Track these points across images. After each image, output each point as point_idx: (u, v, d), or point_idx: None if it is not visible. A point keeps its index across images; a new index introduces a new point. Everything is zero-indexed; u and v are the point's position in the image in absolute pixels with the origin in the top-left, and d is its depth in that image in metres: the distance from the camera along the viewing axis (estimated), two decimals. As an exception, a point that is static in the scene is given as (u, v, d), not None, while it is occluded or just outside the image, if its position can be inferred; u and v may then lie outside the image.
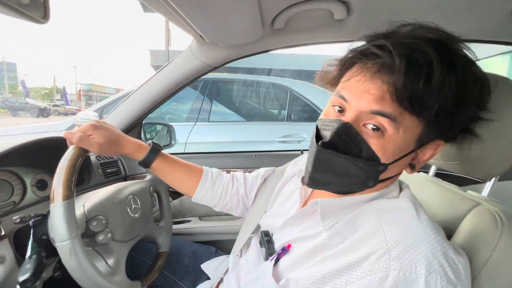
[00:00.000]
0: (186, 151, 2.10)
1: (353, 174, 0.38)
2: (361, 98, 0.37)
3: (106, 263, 0.56)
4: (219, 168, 0.72)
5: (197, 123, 2.31)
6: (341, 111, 0.40)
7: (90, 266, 0.47)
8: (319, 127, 0.42)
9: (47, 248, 0.55)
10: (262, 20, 0.71)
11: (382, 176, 0.40)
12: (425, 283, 0.32)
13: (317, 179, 0.40)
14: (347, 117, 0.38)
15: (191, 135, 2.24)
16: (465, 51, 0.37)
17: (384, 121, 0.36)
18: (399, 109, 0.35)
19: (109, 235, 0.56)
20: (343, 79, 0.41)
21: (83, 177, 0.86)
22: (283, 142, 2.19)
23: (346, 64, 0.41)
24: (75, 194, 0.48)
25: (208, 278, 0.70)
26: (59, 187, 0.47)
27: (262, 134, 2.32)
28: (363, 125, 0.37)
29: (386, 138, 0.37)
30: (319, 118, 0.43)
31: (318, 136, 0.41)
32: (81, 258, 0.46)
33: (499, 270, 0.38)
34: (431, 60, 0.33)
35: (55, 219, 0.46)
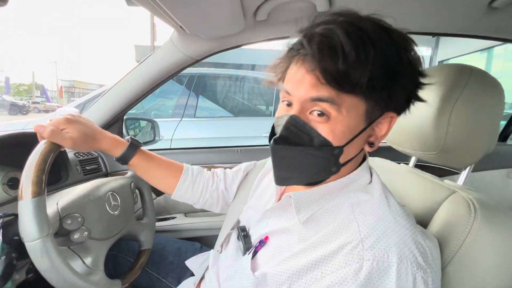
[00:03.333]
0: (170, 147, 2.06)
1: (312, 163, 0.39)
2: (299, 88, 0.38)
3: (83, 262, 0.54)
4: (204, 164, 0.71)
5: (183, 119, 2.27)
6: (289, 105, 0.41)
7: (64, 265, 0.45)
8: (274, 125, 0.43)
9: (19, 249, 0.52)
10: (244, 11, 0.69)
11: (342, 159, 0.40)
12: (396, 270, 0.33)
13: (281, 176, 0.41)
14: (294, 110, 0.39)
15: (177, 131, 2.20)
16: (379, 23, 0.37)
17: (325, 106, 0.37)
18: (334, 91, 0.36)
19: (86, 233, 0.54)
20: (287, 73, 0.42)
21: (60, 175, 0.82)
22: (270, 137, 2.19)
23: (287, 59, 0.42)
24: (46, 191, 0.46)
25: (193, 275, 0.69)
26: (28, 183, 0.44)
27: (249, 130, 2.32)
28: (310, 113, 0.38)
29: (332, 121, 0.38)
30: (275, 117, 0.43)
31: (273, 135, 0.41)
32: (53, 257, 0.44)
33: (473, 254, 0.39)
34: (342, 40, 0.34)
35: (23, 218, 0.43)
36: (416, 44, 0.39)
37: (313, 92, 0.37)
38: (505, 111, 0.51)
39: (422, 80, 0.40)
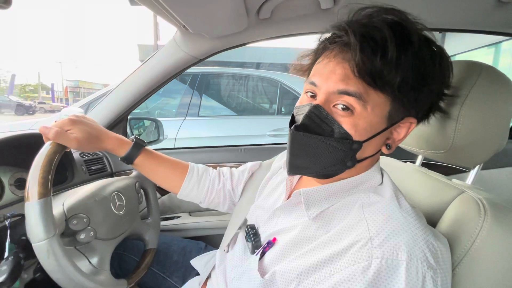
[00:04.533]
0: (174, 147, 2.07)
1: (329, 155, 0.39)
2: (328, 80, 0.39)
3: (90, 262, 0.54)
4: (208, 163, 0.71)
5: (186, 118, 2.27)
6: (313, 96, 0.42)
7: (71, 265, 0.46)
8: (294, 114, 0.43)
9: (26, 249, 0.52)
10: (247, 10, 0.69)
11: (359, 156, 0.40)
12: (406, 269, 0.32)
13: (296, 164, 0.41)
14: (318, 100, 0.40)
15: (181, 130, 2.20)
16: (422, 29, 0.38)
17: (351, 100, 0.37)
18: (363, 86, 0.37)
19: (92, 233, 0.54)
20: (314, 66, 0.43)
21: (66, 175, 0.83)
22: (274, 135, 2.19)
23: (317, 53, 0.43)
24: (52, 192, 0.46)
25: (198, 274, 0.69)
26: (34, 185, 0.44)
27: (253, 128, 2.31)
28: (334, 106, 0.39)
29: (356, 116, 0.38)
30: (295, 106, 0.44)
31: (293, 123, 0.42)
32: (60, 258, 0.44)
33: (482, 256, 0.38)
34: (385, 36, 0.35)
35: (30, 219, 0.44)
36: (449, 57, 0.40)
37: (341, 85, 0.37)
38: None
39: (447, 92, 0.42)
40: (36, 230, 0.43)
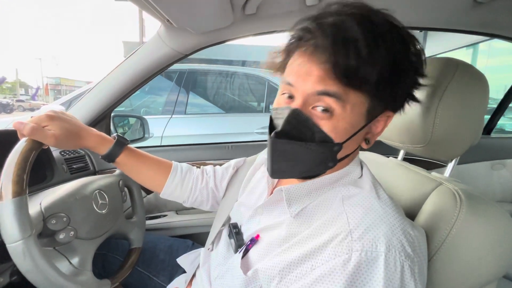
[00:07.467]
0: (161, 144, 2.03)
1: (311, 158, 0.39)
2: (305, 81, 0.37)
3: (70, 262, 0.52)
4: (195, 160, 0.70)
5: (173, 115, 2.23)
6: (291, 97, 0.40)
7: (49, 266, 0.44)
8: (272, 117, 0.42)
9: (1, 252, 0.50)
10: (232, 5, 0.68)
11: (340, 155, 0.40)
12: (384, 260, 0.33)
13: (277, 169, 0.40)
14: (296, 103, 0.38)
15: (168, 128, 2.16)
16: (390, 20, 0.37)
17: (330, 101, 0.36)
18: (341, 87, 0.36)
19: (72, 233, 0.52)
20: (288, 64, 0.41)
21: (45, 174, 0.79)
22: (262, 133, 2.19)
23: (289, 51, 0.41)
24: (28, 191, 0.44)
25: (185, 272, 0.68)
26: (8, 183, 0.42)
27: (241, 126, 2.30)
28: (312, 108, 0.38)
29: (335, 118, 0.37)
30: (272, 108, 0.43)
31: (272, 127, 0.41)
32: (37, 258, 0.43)
33: (458, 244, 0.40)
34: (356, 35, 0.34)
35: (4, 219, 0.41)
36: (420, 43, 0.39)
37: (320, 86, 0.36)
38: (489, 105, 0.52)
39: (420, 81, 0.41)
40: (10, 230, 0.41)
